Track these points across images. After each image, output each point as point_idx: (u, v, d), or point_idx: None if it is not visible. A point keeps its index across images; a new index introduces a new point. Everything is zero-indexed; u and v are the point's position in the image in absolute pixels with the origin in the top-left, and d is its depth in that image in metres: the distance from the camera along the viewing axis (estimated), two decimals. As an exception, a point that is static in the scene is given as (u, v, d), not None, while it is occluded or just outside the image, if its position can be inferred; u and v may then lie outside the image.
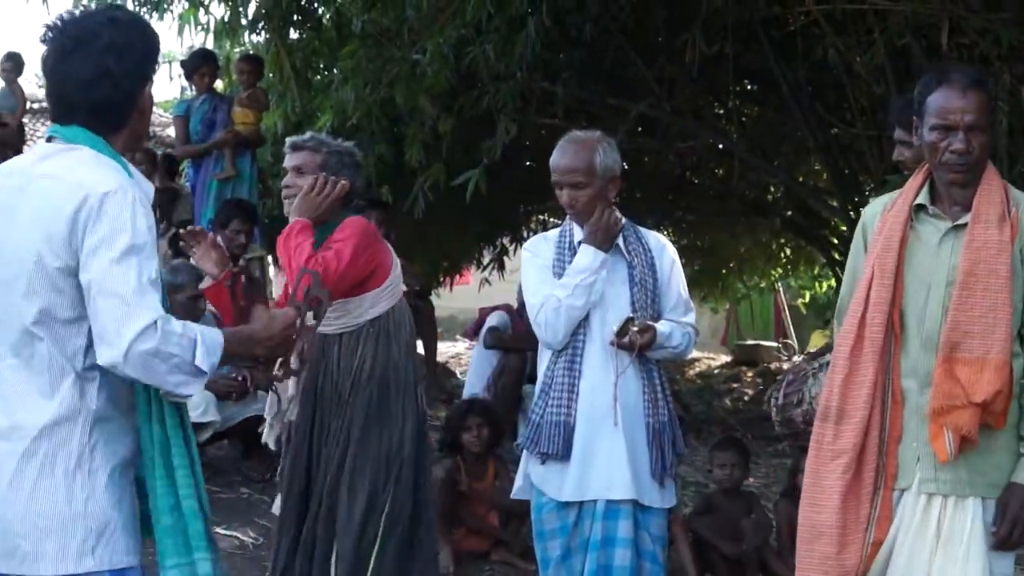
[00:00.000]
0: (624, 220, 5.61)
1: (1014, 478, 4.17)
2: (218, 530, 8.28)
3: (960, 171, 4.25)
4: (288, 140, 6.23)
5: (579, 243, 5.51)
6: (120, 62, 3.56)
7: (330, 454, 5.91)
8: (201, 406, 8.51)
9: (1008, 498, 4.15)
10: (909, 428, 4.28)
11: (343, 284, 5.62)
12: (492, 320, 11.18)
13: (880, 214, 4.45)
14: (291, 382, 5.90)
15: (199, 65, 12.11)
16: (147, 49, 3.71)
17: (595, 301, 5.40)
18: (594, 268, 5.38)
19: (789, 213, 16.73)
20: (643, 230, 5.71)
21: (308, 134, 6.27)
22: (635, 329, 5.31)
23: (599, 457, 5.38)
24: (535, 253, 5.70)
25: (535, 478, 5.53)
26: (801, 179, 14.84)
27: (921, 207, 4.35)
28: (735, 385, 18.15)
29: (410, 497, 5.98)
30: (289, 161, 6.04)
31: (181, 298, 8.71)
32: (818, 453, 4.38)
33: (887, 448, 4.29)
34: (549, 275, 5.52)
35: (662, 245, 5.72)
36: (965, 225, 4.25)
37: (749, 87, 14.22)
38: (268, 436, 6.38)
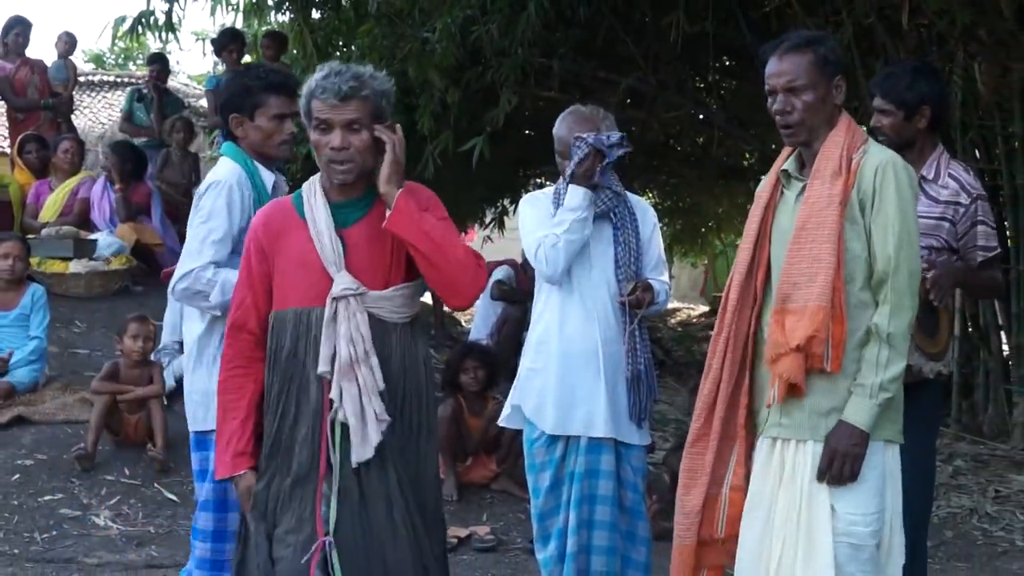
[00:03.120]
0: (614, 184, 5.55)
1: (843, 416, 4.03)
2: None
3: (786, 132, 4.22)
4: (327, 85, 4.17)
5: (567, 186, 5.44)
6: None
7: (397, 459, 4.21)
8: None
9: (832, 434, 4.03)
10: (765, 379, 4.21)
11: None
12: (498, 274, 11.18)
13: (764, 182, 4.42)
14: (377, 374, 4.18)
15: (228, 42, 12.11)
16: (246, 88, 5.18)
17: (588, 235, 5.36)
18: (584, 205, 5.34)
19: (763, 176, 16.66)
20: (629, 194, 5.65)
21: (347, 71, 4.22)
22: (642, 288, 5.35)
23: (580, 397, 5.38)
24: (533, 204, 5.67)
25: (527, 410, 5.50)
26: (774, 146, 14.72)
27: (786, 172, 4.30)
28: (711, 332, 18.11)
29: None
30: (336, 114, 4.14)
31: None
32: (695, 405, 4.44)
33: (740, 399, 4.27)
34: (545, 222, 5.46)
35: (645, 209, 5.69)
36: None
37: (728, 63, 14.17)
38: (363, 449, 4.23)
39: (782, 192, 4.30)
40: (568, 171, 5.39)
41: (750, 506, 4.19)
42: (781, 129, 4.22)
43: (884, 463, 4.08)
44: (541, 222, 5.49)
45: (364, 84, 4.19)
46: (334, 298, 4.11)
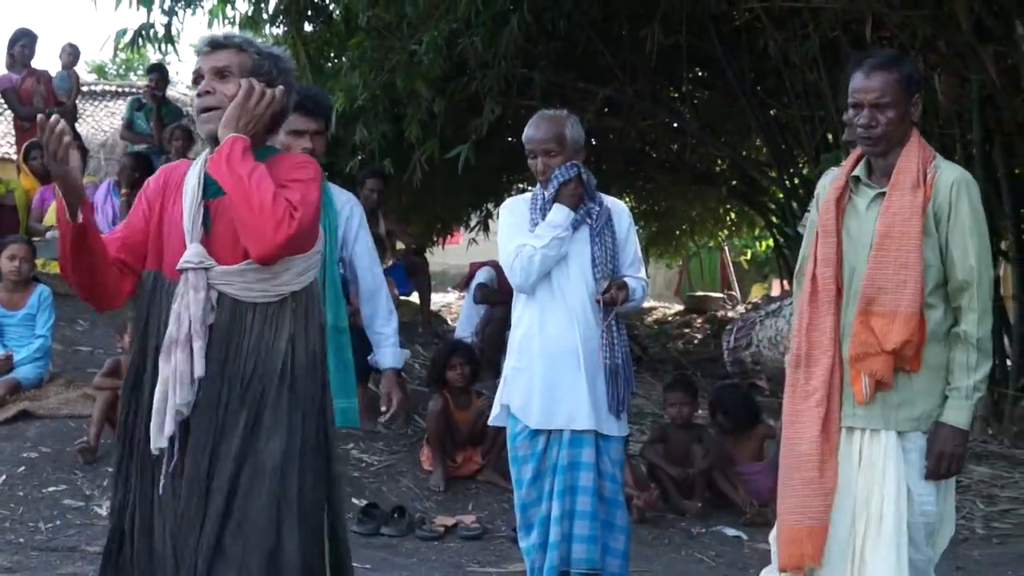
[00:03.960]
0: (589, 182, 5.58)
1: (941, 418, 4.17)
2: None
3: (868, 143, 4.27)
4: (201, 37, 3.98)
5: (550, 202, 5.45)
6: None
7: (232, 451, 3.69)
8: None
9: (935, 436, 4.17)
10: (843, 372, 4.28)
11: (311, 237, 3.73)
12: (480, 276, 11.17)
13: (828, 185, 4.44)
14: (197, 360, 3.70)
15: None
16: None
17: (564, 252, 5.39)
18: (566, 224, 5.38)
19: (734, 182, 16.71)
20: (605, 196, 5.67)
21: (227, 31, 4.04)
22: (616, 287, 5.35)
23: (564, 392, 5.38)
24: (511, 211, 5.66)
25: (514, 407, 5.50)
26: (744, 153, 14.87)
27: (856, 179, 4.34)
28: (686, 330, 18.20)
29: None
30: (206, 62, 3.84)
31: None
32: (793, 395, 4.37)
33: (843, 389, 4.31)
34: (523, 229, 5.49)
35: (620, 209, 5.69)
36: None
37: (700, 74, 14.20)
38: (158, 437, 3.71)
39: (851, 196, 4.35)
40: (551, 188, 5.42)
41: (841, 496, 4.26)
42: (863, 140, 4.29)
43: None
44: (518, 229, 5.50)
45: (242, 38, 3.87)
46: (179, 270, 3.71)
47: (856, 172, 4.35)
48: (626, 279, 5.46)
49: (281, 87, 3.82)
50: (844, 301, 4.29)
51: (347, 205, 5.69)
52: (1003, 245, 11.12)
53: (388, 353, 5.66)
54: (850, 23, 10.25)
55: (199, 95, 3.83)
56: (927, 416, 4.19)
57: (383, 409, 5.50)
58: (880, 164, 4.30)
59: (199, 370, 3.66)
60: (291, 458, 3.70)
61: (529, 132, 5.53)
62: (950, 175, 4.21)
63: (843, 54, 10.37)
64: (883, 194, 4.24)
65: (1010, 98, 10.09)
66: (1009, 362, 10.84)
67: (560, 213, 5.40)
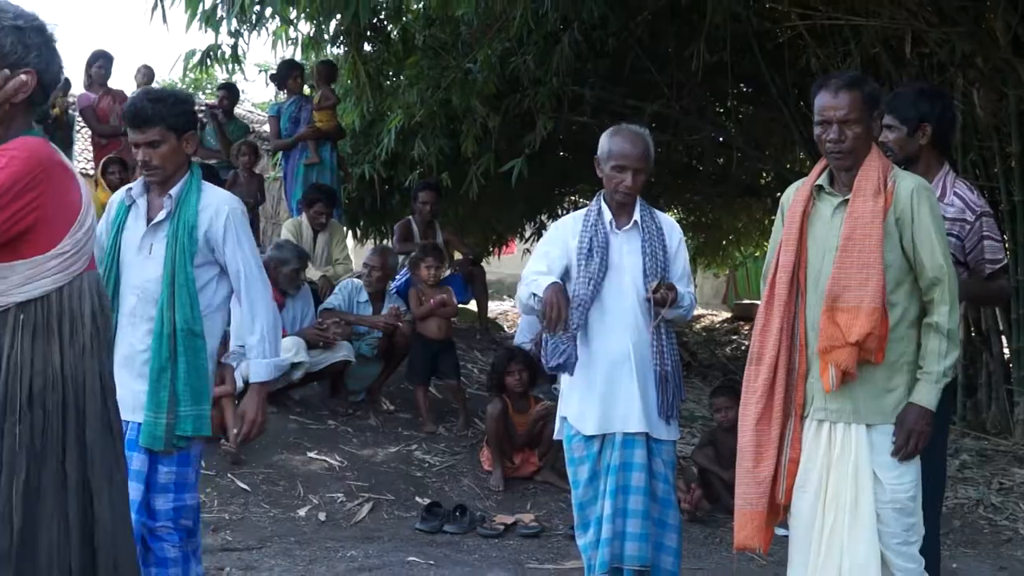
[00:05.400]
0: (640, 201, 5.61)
1: (911, 399, 4.34)
2: (310, 454, 8.36)
3: (837, 157, 4.44)
4: None
5: (610, 222, 5.52)
6: None
7: None
8: (292, 349, 8.59)
9: (904, 415, 4.34)
10: (812, 366, 4.46)
11: None
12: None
13: (792, 195, 4.64)
14: None
15: (287, 73, 12.18)
16: None
17: (603, 272, 5.47)
18: (537, 298, 5.39)
19: (778, 194, 16.63)
20: (657, 212, 5.70)
21: None
22: (665, 287, 5.36)
23: (618, 398, 5.41)
24: (548, 238, 5.78)
25: (571, 418, 5.53)
26: (788, 166, 14.77)
27: (820, 188, 4.53)
28: (734, 337, 18.18)
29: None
30: None
31: (286, 271, 8.88)
32: (745, 390, 4.61)
33: (796, 383, 4.48)
34: (545, 256, 5.59)
35: (672, 225, 5.71)
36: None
37: (745, 89, 14.18)
38: None
39: (815, 204, 4.53)
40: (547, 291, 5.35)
41: (801, 481, 4.46)
42: (832, 154, 4.45)
43: None
44: (541, 255, 5.62)
45: None
46: None
47: (819, 182, 4.53)
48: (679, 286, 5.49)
49: (20, 75, 3.16)
50: (810, 301, 4.46)
51: (213, 206, 4.78)
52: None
53: (254, 367, 4.91)
54: (890, 40, 10.21)
55: None
56: (893, 408, 4.37)
57: (233, 431, 4.94)
58: (844, 176, 4.49)
59: None
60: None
61: (625, 147, 5.49)
62: (909, 183, 4.40)
63: (883, 70, 10.36)
64: (847, 201, 4.41)
65: (1048, 111, 10.02)
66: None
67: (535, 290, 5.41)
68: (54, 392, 3.11)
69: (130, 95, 13.44)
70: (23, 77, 3.15)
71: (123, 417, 4.27)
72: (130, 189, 4.87)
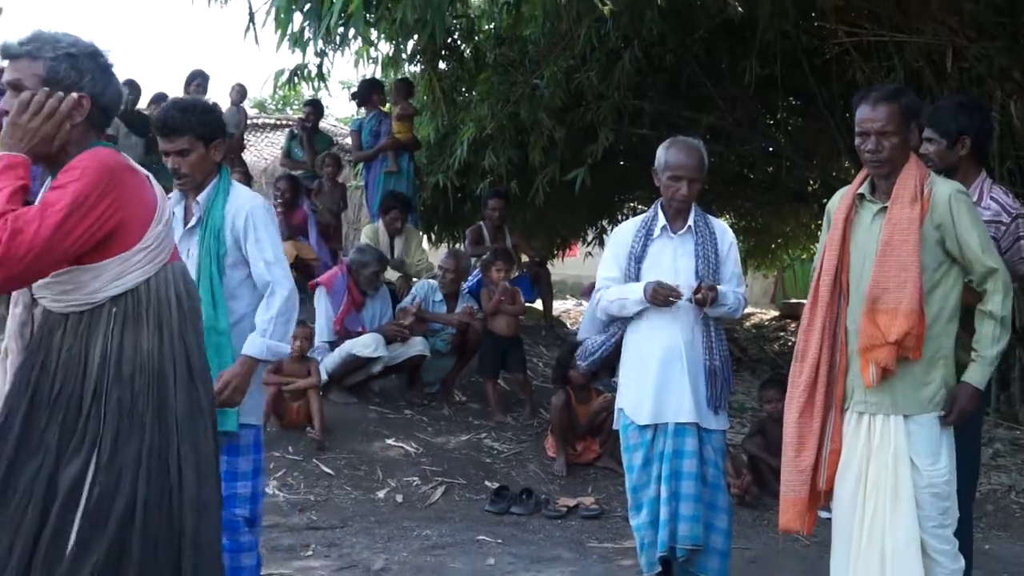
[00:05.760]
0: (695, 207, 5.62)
1: (965, 378, 4.38)
2: (388, 441, 8.41)
3: (875, 166, 4.45)
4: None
5: (662, 228, 5.57)
6: None
7: (34, 474, 3.09)
8: (372, 344, 8.67)
9: (958, 392, 4.37)
10: (852, 363, 4.47)
11: (54, 254, 3.00)
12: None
13: (837, 203, 4.64)
14: (5, 373, 3.26)
15: (369, 91, 12.25)
16: None
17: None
18: (632, 311, 5.54)
19: (824, 201, 16.51)
20: (711, 217, 5.74)
21: (29, 33, 3.30)
22: (706, 288, 5.37)
23: (670, 390, 5.45)
24: (613, 242, 5.80)
25: (627, 409, 5.57)
26: (834, 174, 14.64)
27: (861, 195, 4.53)
28: (781, 334, 18.07)
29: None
30: (7, 74, 3.29)
31: (366, 272, 8.96)
32: (790, 384, 4.61)
33: (836, 378, 4.49)
34: (615, 263, 5.64)
35: (724, 230, 5.74)
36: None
37: (794, 102, 14.06)
38: None
39: (857, 211, 4.51)
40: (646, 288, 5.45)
41: (843, 468, 4.48)
42: (870, 163, 4.44)
43: (950, 430, 4.40)
44: (611, 261, 5.67)
45: (33, 44, 3.23)
46: None
47: (861, 190, 4.52)
48: (724, 287, 5.50)
49: (73, 96, 3.19)
50: (852, 302, 4.46)
51: (235, 205, 4.68)
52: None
53: (251, 340, 4.63)
54: (932, 55, 10.12)
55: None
56: (929, 399, 4.37)
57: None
58: (883, 184, 4.47)
59: (5, 384, 3.21)
60: (77, 486, 3.08)
61: (681, 158, 5.53)
62: (945, 190, 4.39)
63: (925, 84, 10.27)
64: (886, 208, 4.40)
65: (1080, 121, 9.91)
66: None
67: (635, 298, 5.50)
68: (142, 375, 3.16)
69: (225, 111, 13.66)
70: (75, 96, 3.19)
71: None
72: (170, 198, 4.57)
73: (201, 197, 4.66)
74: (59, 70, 3.20)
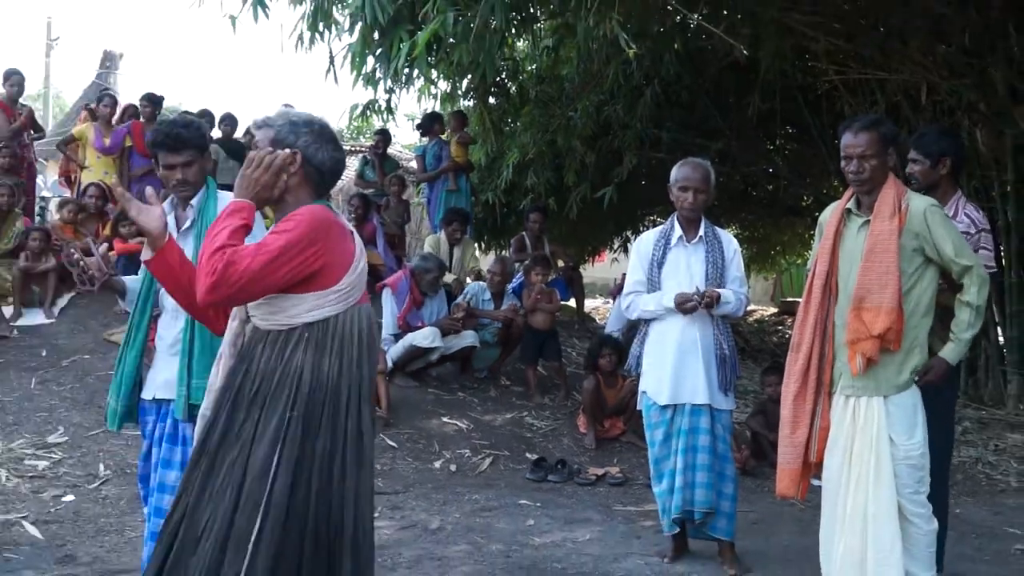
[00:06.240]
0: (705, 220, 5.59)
1: (940, 353, 4.40)
2: (443, 419, 8.40)
3: (857, 185, 4.43)
4: (254, 121, 3.68)
5: (678, 238, 5.52)
6: None
7: (233, 459, 3.24)
8: (430, 336, 8.68)
9: (932, 362, 4.39)
10: (839, 353, 4.47)
11: (261, 284, 3.17)
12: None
13: (828, 217, 4.63)
14: (219, 373, 3.43)
15: (431, 123, 12.24)
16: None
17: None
18: (657, 312, 5.50)
19: (817, 214, 16.40)
20: (718, 229, 5.67)
21: (275, 113, 3.57)
22: (706, 294, 5.37)
23: (687, 375, 5.42)
24: (637, 251, 5.71)
25: (649, 391, 5.53)
26: (824, 191, 14.53)
27: (849, 210, 4.53)
28: (780, 327, 17.98)
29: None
30: (255, 136, 3.58)
31: (428, 277, 8.97)
32: (786, 371, 4.60)
33: (825, 367, 4.49)
34: (642, 267, 5.60)
35: (729, 239, 5.68)
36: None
37: (790, 131, 14.00)
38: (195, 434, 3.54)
39: (845, 224, 4.50)
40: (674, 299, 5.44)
41: (831, 444, 4.46)
42: (854, 183, 4.43)
43: (923, 410, 4.39)
44: (637, 268, 5.63)
45: (268, 118, 3.46)
46: None
47: (848, 206, 4.52)
48: (724, 290, 5.46)
49: (286, 151, 3.33)
50: (841, 301, 4.47)
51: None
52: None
53: None
54: (909, 91, 10.07)
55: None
56: (907, 381, 4.36)
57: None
58: (866, 200, 4.46)
59: (216, 380, 3.39)
60: (264, 472, 3.18)
61: (686, 172, 5.50)
62: (920, 204, 4.37)
63: (903, 115, 10.18)
64: (868, 221, 4.40)
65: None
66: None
67: (659, 305, 5.48)
68: (320, 391, 3.24)
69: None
70: (288, 152, 3.33)
71: (163, 396, 4.32)
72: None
73: (195, 201, 4.42)
74: (282, 134, 3.37)
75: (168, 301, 4.29)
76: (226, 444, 3.24)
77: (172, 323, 4.36)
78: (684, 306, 5.37)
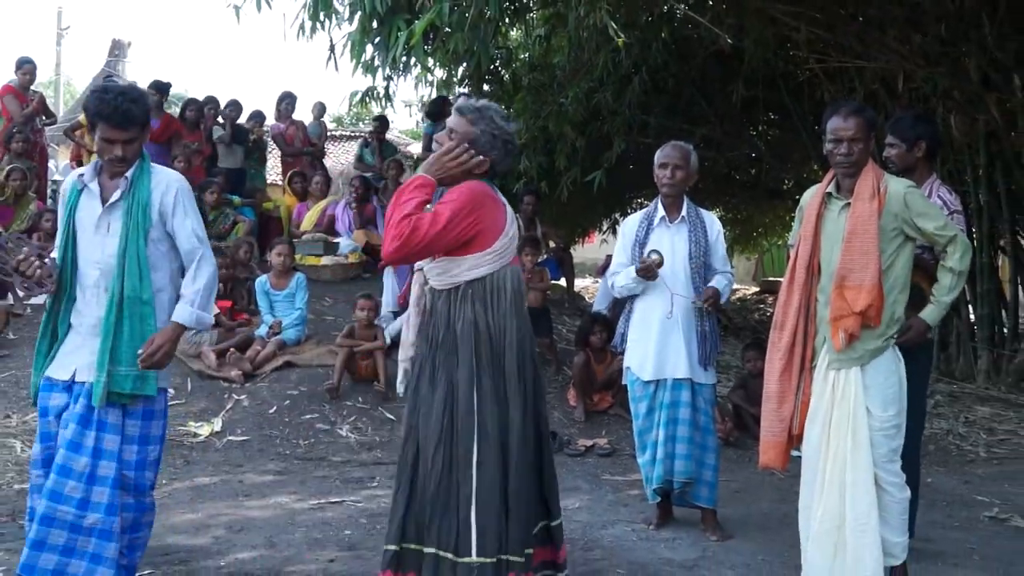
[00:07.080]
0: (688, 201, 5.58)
1: (921, 314, 4.43)
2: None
3: (844, 168, 4.39)
4: (457, 102, 4.06)
5: (661, 218, 5.50)
6: None
7: (443, 398, 3.72)
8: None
9: (912, 322, 4.41)
10: (820, 329, 4.45)
11: (435, 247, 3.67)
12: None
13: (808, 199, 4.59)
14: (409, 330, 4.03)
15: (441, 105, 12.15)
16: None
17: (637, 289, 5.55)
18: (629, 286, 5.53)
19: (797, 197, 16.39)
20: (701, 209, 5.66)
21: (481, 103, 3.95)
22: (710, 296, 5.39)
23: (669, 351, 5.43)
24: (623, 232, 5.72)
25: (633, 367, 5.54)
26: (805, 175, 14.53)
27: (829, 194, 4.48)
28: (761, 305, 17.99)
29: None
30: (450, 121, 3.88)
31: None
32: (770, 348, 4.57)
33: (808, 343, 4.48)
34: (627, 249, 5.59)
35: (712, 220, 5.66)
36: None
37: (772, 117, 13.98)
38: (400, 384, 4.10)
39: (826, 206, 4.47)
40: (635, 269, 5.46)
41: (811, 415, 4.45)
42: (841, 165, 4.39)
43: (900, 376, 4.39)
44: (622, 249, 5.63)
45: (477, 113, 3.88)
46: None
47: (829, 189, 4.48)
48: (716, 277, 5.48)
49: (479, 158, 3.82)
50: (823, 281, 4.44)
51: (164, 183, 4.13)
52: (1001, 242, 10.79)
53: (179, 308, 4.09)
54: (886, 78, 10.04)
55: (436, 142, 3.92)
56: (878, 350, 4.34)
57: (139, 352, 3.95)
58: (847, 183, 4.43)
59: (410, 336, 3.94)
60: (447, 405, 3.71)
61: (667, 151, 5.51)
62: (898, 187, 4.36)
63: (880, 102, 10.16)
64: (849, 204, 4.37)
65: (1008, 133, 9.83)
66: (1006, 329, 10.55)
67: (628, 277, 5.49)
68: (484, 335, 3.74)
69: (308, 125, 13.63)
70: (481, 158, 3.83)
71: (83, 379, 4.02)
72: (82, 175, 4.14)
73: (128, 173, 4.05)
74: (482, 139, 3.84)
75: (87, 280, 4.06)
76: (435, 385, 3.74)
77: (93, 303, 4.06)
78: (645, 274, 5.38)
